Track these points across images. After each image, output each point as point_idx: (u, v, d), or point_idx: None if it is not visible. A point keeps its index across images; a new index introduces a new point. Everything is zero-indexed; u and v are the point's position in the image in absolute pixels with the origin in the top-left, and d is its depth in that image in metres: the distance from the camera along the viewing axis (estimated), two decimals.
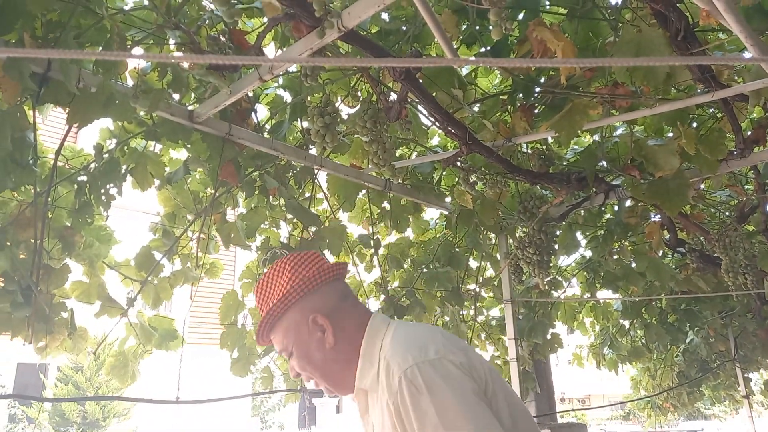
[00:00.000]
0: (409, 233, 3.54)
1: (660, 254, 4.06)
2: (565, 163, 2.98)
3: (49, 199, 1.88)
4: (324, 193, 2.92)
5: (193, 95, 2.17)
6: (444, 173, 3.26)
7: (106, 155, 1.97)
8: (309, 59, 1.33)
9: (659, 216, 3.50)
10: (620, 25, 2.00)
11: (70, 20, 1.52)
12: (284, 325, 1.29)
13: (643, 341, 5.15)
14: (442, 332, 1.28)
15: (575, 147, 3.15)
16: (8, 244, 1.76)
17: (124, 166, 2.07)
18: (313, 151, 2.52)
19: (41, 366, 12.64)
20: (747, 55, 2.03)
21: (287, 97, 2.49)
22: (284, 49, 2.04)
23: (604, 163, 2.78)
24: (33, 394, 12.65)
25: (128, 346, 2.34)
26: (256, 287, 1.37)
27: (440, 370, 1.10)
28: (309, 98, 2.38)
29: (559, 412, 5.22)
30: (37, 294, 1.83)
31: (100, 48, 1.58)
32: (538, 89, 2.41)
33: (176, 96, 2.01)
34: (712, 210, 3.81)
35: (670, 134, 2.68)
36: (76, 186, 1.97)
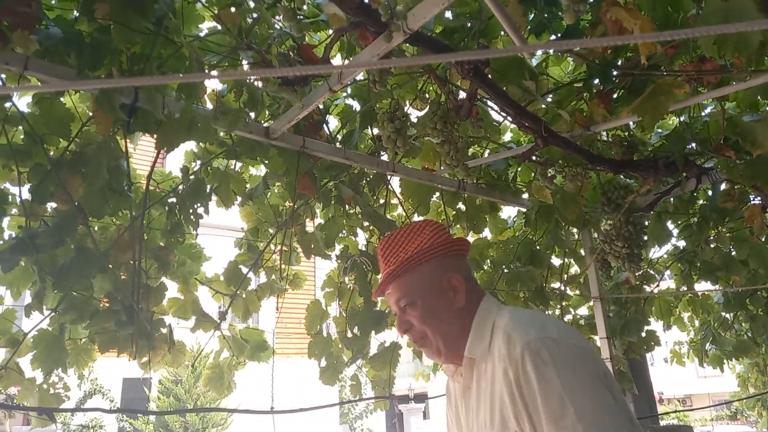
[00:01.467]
0: (487, 233, 3.47)
1: (763, 239, 3.75)
2: (650, 149, 2.82)
3: (144, 221, 1.99)
4: (398, 198, 2.92)
5: (267, 112, 2.24)
6: (519, 169, 3.17)
7: (191, 176, 2.07)
8: (379, 62, 1.34)
9: (760, 198, 3.24)
10: None
11: (152, 51, 1.61)
12: (416, 276, 1.33)
13: (750, 334, 4.76)
14: (558, 320, 1.32)
15: (660, 131, 2.97)
16: (110, 266, 1.88)
17: (208, 186, 2.16)
18: (385, 157, 2.53)
19: (144, 380, 13.49)
20: None
21: (356, 105, 2.52)
22: (351, 58, 2.06)
23: (694, 145, 2.61)
24: (138, 407, 13.52)
25: (223, 359, 2.43)
26: (384, 242, 1.42)
27: (563, 348, 1.12)
28: (377, 105, 2.40)
29: (660, 414, 4.92)
30: (139, 312, 1.94)
31: (181, 75, 1.67)
32: (615, 73, 2.29)
33: (252, 114, 2.08)
34: None
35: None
36: (167, 208, 2.08)
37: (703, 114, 2.64)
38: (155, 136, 1.69)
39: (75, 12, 1.57)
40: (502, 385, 1.15)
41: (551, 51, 2.47)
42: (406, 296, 1.32)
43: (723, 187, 3.13)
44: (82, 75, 1.48)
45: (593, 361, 1.13)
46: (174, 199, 2.08)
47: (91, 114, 1.74)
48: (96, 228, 1.97)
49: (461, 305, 1.32)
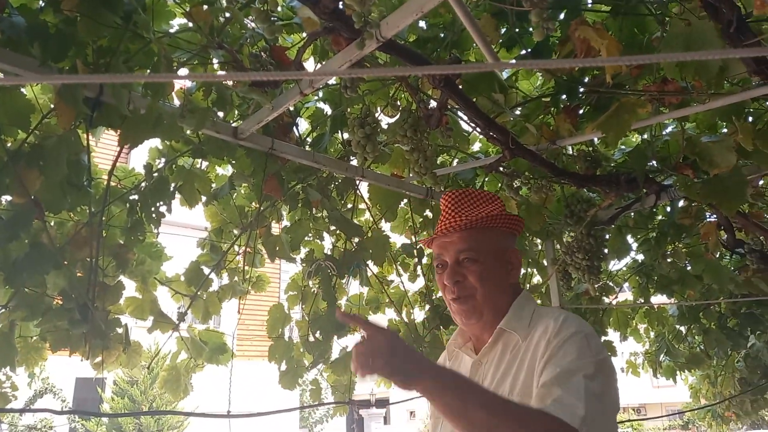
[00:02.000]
0: None
1: (717, 256, 3.88)
2: (612, 165, 2.89)
3: (103, 218, 1.94)
4: (366, 203, 2.93)
5: (236, 112, 2.22)
6: (486, 179, 3.22)
7: (155, 174, 2.02)
8: (349, 71, 1.34)
9: (715, 216, 3.35)
10: (667, 19, 1.93)
11: (119, 46, 1.58)
12: (487, 236, 1.37)
13: (702, 347, 4.93)
14: None
15: (623, 147, 3.05)
16: (66, 263, 1.83)
17: (172, 184, 2.12)
18: (354, 162, 2.53)
19: (98, 380, 13.09)
20: None
21: (327, 109, 2.51)
22: (324, 63, 2.05)
23: (655, 162, 2.69)
24: (91, 407, 13.12)
25: (180, 360, 2.39)
26: (455, 193, 1.44)
27: (597, 340, 1.22)
28: (349, 110, 2.40)
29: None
30: (94, 311, 1.88)
31: (148, 71, 1.63)
32: (582, 90, 2.35)
33: (221, 114, 2.05)
34: None
35: (725, 130, 2.57)
36: (128, 205, 2.04)
37: (664, 133, 2.73)
38: (119, 131, 1.65)
39: (41, 2, 1.52)
40: (538, 354, 1.21)
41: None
42: (472, 250, 1.35)
43: (681, 204, 3.24)
44: (46, 66, 1.44)
45: (613, 375, 1.20)
46: (136, 197, 2.03)
47: (52, 106, 1.68)
48: (52, 223, 1.91)
49: (513, 281, 1.40)
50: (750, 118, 2.58)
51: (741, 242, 3.55)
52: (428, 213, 3.10)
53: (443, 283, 1.38)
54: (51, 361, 2.35)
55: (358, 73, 1.20)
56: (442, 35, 2.18)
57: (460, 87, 2.05)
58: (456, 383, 1.10)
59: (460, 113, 2.48)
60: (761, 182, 3.17)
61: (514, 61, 2.17)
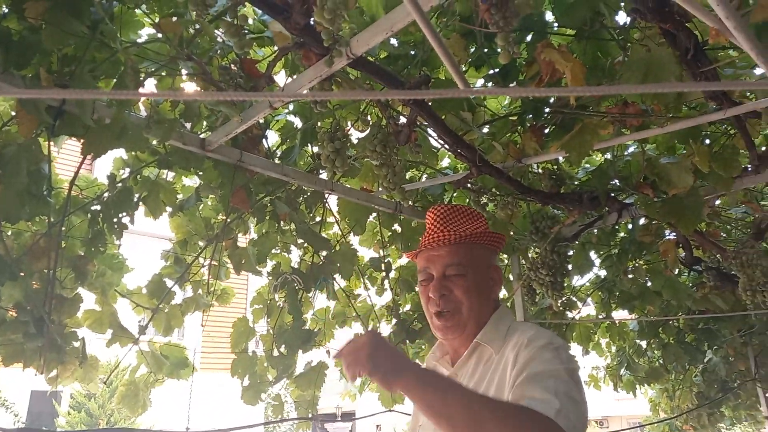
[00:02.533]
0: None
1: (676, 273, 4.00)
2: (576, 183, 2.96)
3: (63, 228, 1.89)
4: (335, 216, 2.92)
5: (205, 123, 2.19)
6: (455, 194, 3.25)
7: (119, 184, 1.98)
8: (315, 93, 1.35)
9: (674, 234, 3.46)
10: (629, 44, 2.00)
11: (85, 54, 1.55)
12: (474, 252, 1.40)
13: (661, 362, 5.06)
14: None
15: (587, 166, 3.13)
16: (22, 274, 1.77)
17: (136, 195, 2.08)
18: (324, 175, 2.53)
19: (54, 394, 12.63)
20: (758, 71, 2.02)
21: (298, 122, 2.51)
22: (294, 77, 2.06)
23: (617, 181, 2.76)
24: (46, 421, 12.63)
25: (139, 375, 2.33)
26: (444, 208, 1.47)
27: (568, 352, 1.23)
28: (319, 123, 2.40)
29: None
30: (50, 324, 1.83)
31: (114, 80, 1.61)
32: (547, 110, 2.40)
33: (188, 125, 2.03)
34: (728, 227, 3.76)
35: (683, 151, 2.66)
36: (89, 215, 1.99)
37: (626, 153, 2.81)
38: (82, 141, 1.62)
39: (4, 8, 1.49)
40: (510, 366, 1.22)
41: (490, 83, 2.57)
42: (461, 265, 1.37)
43: (642, 222, 3.33)
44: (8, 73, 1.40)
45: (582, 385, 1.22)
46: (98, 207, 1.98)
47: (13, 114, 1.64)
48: (9, 233, 1.85)
49: (495, 297, 1.44)
50: (707, 141, 2.68)
51: (698, 260, 3.67)
52: (397, 227, 3.12)
53: (428, 296, 1.40)
54: (5, 373, 2.27)
55: (324, 95, 1.22)
56: (413, 53, 2.21)
57: (429, 104, 2.07)
58: (437, 380, 1.11)
59: (429, 129, 2.51)
60: (718, 202, 3.29)
61: (481, 86, 2.21)
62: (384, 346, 1.11)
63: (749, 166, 2.51)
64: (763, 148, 2.55)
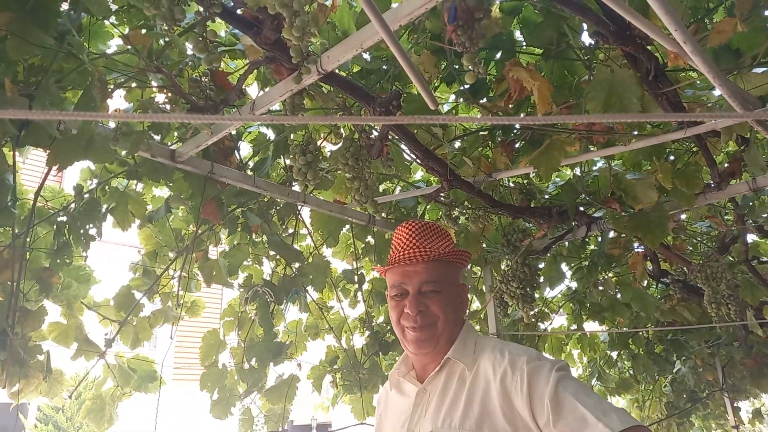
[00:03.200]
0: None
1: (644, 285, 4.08)
2: (546, 197, 3.01)
3: (28, 240, 1.86)
4: (307, 228, 2.92)
5: (175, 134, 2.18)
6: (428, 207, 3.28)
7: (86, 195, 1.96)
8: (280, 118, 1.36)
9: (642, 247, 3.54)
10: (594, 64, 2.05)
11: (51, 65, 1.53)
12: (449, 270, 1.44)
13: (631, 372, 5.14)
14: None
15: (557, 180, 3.19)
16: None
17: (104, 206, 2.06)
18: (297, 187, 2.53)
19: (21, 406, 12.29)
20: (716, 93, 2.09)
21: (270, 134, 2.51)
22: (265, 90, 2.06)
23: (585, 196, 2.82)
24: None
25: (106, 389, 2.29)
26: (419, 224, 1.48)
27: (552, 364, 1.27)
28: (292, 136, 2.40)
29: None
30: (13, 337, 1.79)
31: (81, 92, 1.59)
32: (517, 126, 2.45)
33: (158, 137, 2.01)
34: (694, 241, 3.85)
35: (648, 168, 2.73)
36: (55, 227, 1.96)
37: (593, 169, 2.87)
38: (47, 151, 1.60)
39: None
40: (495, 388, 1.25)
41: (461, 99, 2.61)
42: (437, 282, 1.39)
43: (611, 235, 3.39)
44: None
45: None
46: (64, 218, 1.95)
47: None
48: None
49: (464, 313, 1.48)
50: (671, 158, 2.76)
51: (666, 272, 3.75)
52: (370, 239, 3.13)
53: (401, 310, 1.41)
54: None
55: (283, 120, 1.23)
56: (385, 68, 2.23)
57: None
58: None
59: (402, 144, 2.53)
60: (683, 217, 3.37)
61: (452, 100, 2.24)
62: None
63: (711, 182, 2.59)
64: (726, 165, 2.63)
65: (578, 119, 0.87)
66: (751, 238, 3.57)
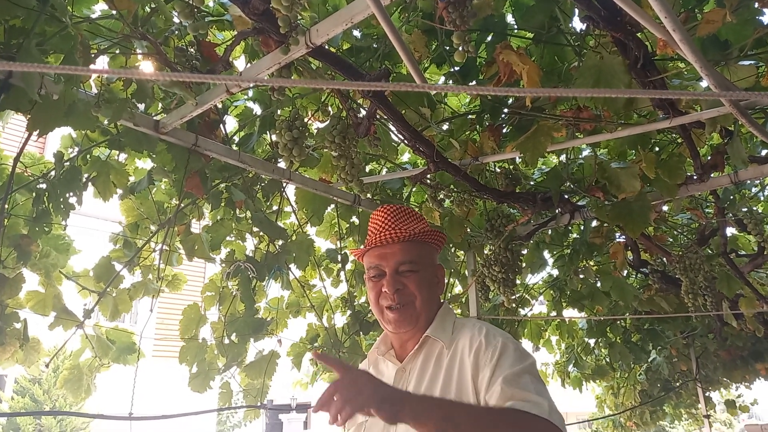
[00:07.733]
0: None
1: (624, 274, 4.14)
2: (531, 183, 3.03)
3: (6, 206, 1.83)
4: (292, 206, 2.91)
5: (160, 105, 2.15)
6: (414, 189, 3.28)
7: (67, 163, 1.93)
8: (270, 80, 1.34)
9: (623, 237, 3.58)
10: (584, 51, 2.05)
11: (33, 27, 1.50)
12: (425, 250, 1.47)
13: (607, 360, 5.23)
14: None
15: (543, 167, 3.20)
16: None
17: (85, 175, 2.03)
18: (282, 164, 2.51)
19: None
20: (704, 83, 2.10)
21: (257, 109, 2.48)
22: (253, 63, 2.04)
23: (570, 183, 2.84)
24: None
25: (84, 359, 2.27)
26: (393, 208, 1.51)
27: (522, 346, 1.32)
28: (279, 112, 2.38)
29: None
30: None
31: (64, 56, 1.56)
32: (505, 110, 2.45)
33: (142, 106, 1.98)
34: (675, 232, 3.91)
35: (633, 157, 2.75)
36: (34, 194, 1.92)
37: (579, 157, 2.88)
38: (28, 116, 1.56)
39: None
40: (469, 362, 1.28)
41: (450, 81, 2.60)
42: (413, 262, 1.43)
43: (593, 224, 3.43)
44: None
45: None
46: (44, 186, 1.92)
47: None
48: None
49: (440, 293, 1.51)
50: (656, 148, 2.78)
51: (645, 263, 3.80)
52: (355, 219, 3.12)
53: (379, 291, 1.43)
54: None
55: (280, 82, 1.21)
56: (375, 46, 2.21)
57: (390, 99, 2.08)
58: (438, 403, 1.16)
59: (390, 124, 2.52)
60: (665, 208, 3.41)
61: (440, 83, 2.23)
62: (380, 383, 1.12)
63: (694, 174, 2.62)
64: (709, 158, 2.65)
65: (563, 92, 0.86)
66: (730, 231, 3.63)
